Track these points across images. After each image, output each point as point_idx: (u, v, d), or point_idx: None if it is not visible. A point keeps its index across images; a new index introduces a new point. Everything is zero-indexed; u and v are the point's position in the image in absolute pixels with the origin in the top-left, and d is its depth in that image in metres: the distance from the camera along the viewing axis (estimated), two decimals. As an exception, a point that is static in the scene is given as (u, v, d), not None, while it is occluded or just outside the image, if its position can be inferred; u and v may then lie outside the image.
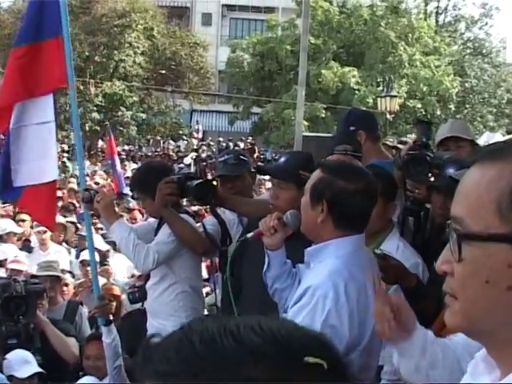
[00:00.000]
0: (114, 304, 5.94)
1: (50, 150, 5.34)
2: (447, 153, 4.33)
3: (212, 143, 34.26)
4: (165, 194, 4.38)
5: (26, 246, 8.77)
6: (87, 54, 32.64)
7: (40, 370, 4.61)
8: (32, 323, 4.87)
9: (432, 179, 3.95)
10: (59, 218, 9.38)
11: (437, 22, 41.80)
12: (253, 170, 5.10)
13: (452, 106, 35.84)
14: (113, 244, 8.06)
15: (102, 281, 6.29)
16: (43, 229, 8.40)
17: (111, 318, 4.89)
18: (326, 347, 0.78)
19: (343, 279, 2.82)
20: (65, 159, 25.58)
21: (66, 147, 28.61)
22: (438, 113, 34.31)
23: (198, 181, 4.33)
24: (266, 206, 4.10)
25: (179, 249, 4.58)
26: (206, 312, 5.49)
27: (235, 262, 3.99)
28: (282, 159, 3.88)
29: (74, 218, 10.26)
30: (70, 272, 7.07)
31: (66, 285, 6.43)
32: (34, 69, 5.25)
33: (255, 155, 25.83)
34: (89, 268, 6.30)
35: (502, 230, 1.14)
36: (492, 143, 1.41)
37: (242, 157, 4.96)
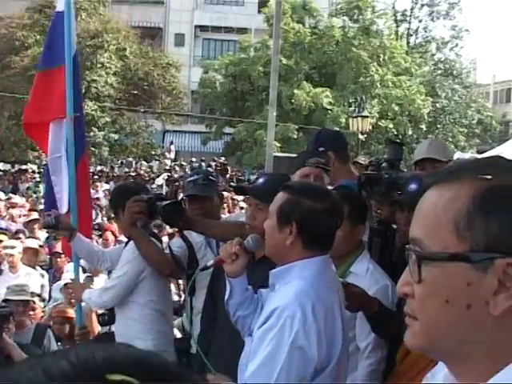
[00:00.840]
0: (68, 326, 6.01)
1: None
2: (413, 173, 4.37)
3: (184, 163, 34.21)
4: (133, 212, 4.37)
5: None
6: (59, 74, 32.48)
7: None
8: None
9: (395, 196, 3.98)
10: (30, 242, 9.33)
11: (408, 43, 42.27)
12: (226, 189, 5.13)
13: (423, 126, 36.11)
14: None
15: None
16: (12, 251, 8.38)
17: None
18: (144, 365, 0.75)
19: (310, 299, 2.79)
20: (37, 179, 25.46)
21: (35, 168, 28.48)
22: (410, 133, 34.58)
23: (167, 202, 4.28)
24: (235, 227, 4.12)
25: (140, 273, 4.57)
26: (177, 334, 5.44)
27: (213, 282, 4.03)
28: (261, 180, 3.82)
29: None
30: (38, 295, 6.95)
31: (34, 309, 6.32)
32: (45, 95, 5.45)
33: (227, 175, 25.87)
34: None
35: (460, 249, 1.17)
36: (449, 165, 1.45)
37: (210, 177, 4.95)
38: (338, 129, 31.57)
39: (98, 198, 17.79)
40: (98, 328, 6.17)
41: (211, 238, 4.62)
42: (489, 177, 1.19)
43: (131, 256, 4.56)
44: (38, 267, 9.16)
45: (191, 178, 4.97)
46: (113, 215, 4.80)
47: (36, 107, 5.58)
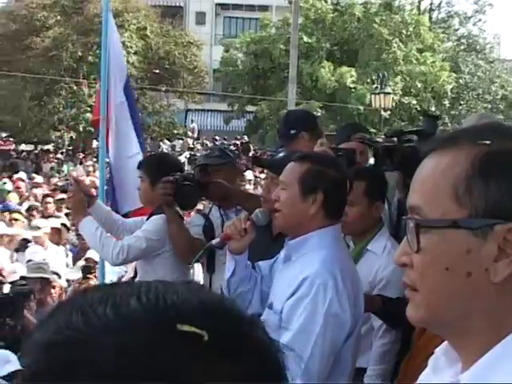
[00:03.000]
0: None
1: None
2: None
3: (207, 142, 34.19)
4: (164, 193, 4.34)
5: (23, 246, 8.58)
6: (80, 54, 32.49)
7: (20, 367, 4.50)
8: (19, 325, 4.80)
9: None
10: (53, 222, 9.44)
11: (430, 18, 41.81)
12: (249, 167, 5.11)
13: (447, 102, 35.91)
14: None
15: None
16: (37, 233, 8.53)
17: None
18: (216, 318, 0.72)
19: (337, 267, 2.87)
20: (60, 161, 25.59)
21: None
22: (433, 109, 34.32)
23: (186, 183, 4.26)
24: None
25: (157, 249, 4.49)
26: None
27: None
28: (281, 154, 3.82)
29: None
30: (56, 274, 6.96)
31: (54, 287, 6.34)
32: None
33: (250, 153, 25.79)
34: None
35: (460, 215, 1.15)
36: (447, 132, 1.46)
37: (224, 150, 4.95)
38: (361, 107, 31.52)
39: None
40: None
41: (246, 210, 4.50)
42: (487, 142, 1.17)
43: (154, 227, 4.50)
44: (61, 246, 9.20)
45: (205, 152, 5.03)
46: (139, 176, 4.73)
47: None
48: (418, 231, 1.18)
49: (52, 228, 9.11)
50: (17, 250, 8.41)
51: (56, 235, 9.12)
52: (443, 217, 1.16)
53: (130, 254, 4.38)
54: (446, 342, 1.27)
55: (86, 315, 0.70)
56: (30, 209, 11.24)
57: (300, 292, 2.80)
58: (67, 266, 8.60)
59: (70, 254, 9.21)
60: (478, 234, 1.13)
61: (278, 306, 2.89)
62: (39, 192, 14.69)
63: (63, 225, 9.67)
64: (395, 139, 4.31)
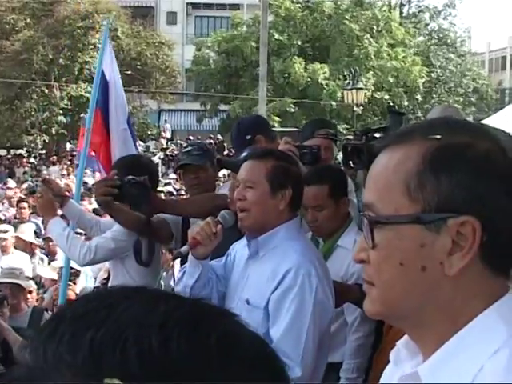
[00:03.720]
0: None
1: None
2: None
3: (181, 142, 34.08)
4: (98, 193, 4.22)
5: None
6: (51, 57, 32.31)
7: None
8: None
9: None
10: (24, 233, 9.28)
11: (401, 13, 42.04)
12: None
13: (419, 97, 36.09)
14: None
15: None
16: (4, 236, 8.44)
17: None
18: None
19: (314, 255, 3.02)
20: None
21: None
22: (406, 103, 34.53)
23: (132, 183, 4.08)
24: (208, 201, 4.12)
25: (126, 250, 4.43)
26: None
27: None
28: (244, 154, 3.73)
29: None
30: (32, 279, 6.90)
31: (30, 292, 6.19)
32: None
33: (225, 152, 25.77)
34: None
35: (412, 210, 1.15)
36: (400, 129, 1.46)
37: (205, 148, 4.85)
38: (333, 103, 31.61)
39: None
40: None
41: (186, 217, 4.49)
42: (438, 136, 1.17)
43: (123, 228, 4.40)
44: (37, 251, 9.15)
45: (185, 149, 4.88)
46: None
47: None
48: (372, 228, 1.18)
49: (21, 239, 8.96)
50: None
51: (22, 242, 8.97)
52: (396, 213, 1.16)
53: (97, 254, 4.31)
54: (406, 335, 1.27)
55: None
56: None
57: (285, 284, 2.83)
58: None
59: (46, 259, 9.06)
60: (431, 229, 1.14)
61: (259, 300, 2.89)
62: (11, 193, 14.64)
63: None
64: (363, 137, 4.22)
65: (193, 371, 0.64)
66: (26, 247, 8.91)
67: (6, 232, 8.65)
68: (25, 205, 11.68)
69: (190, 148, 4.81)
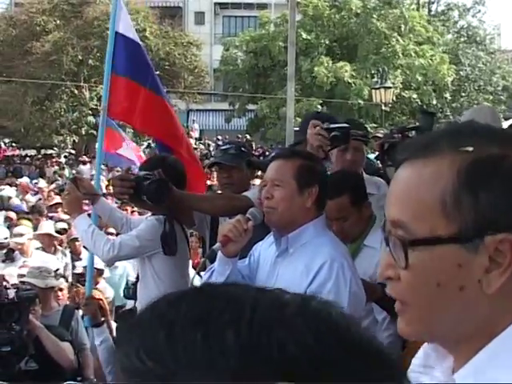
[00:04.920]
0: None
1: None
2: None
3: (209, 142, 34.14)
4: (115, 191, 4.34)
5: (9, 255, 8.28)
6: (80, 57, 32.55)
7: None
8: (25, 330, 4.73)
9: None
10: (46, 227, 9.30)
11: (429, 11, 41.72)
12: None
13: (448, 95, 35.66)
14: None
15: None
16: (20, 240, 8.36)
17: (101, 320, 4.87)
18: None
19: (344, 249, 3.14)
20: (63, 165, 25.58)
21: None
22: (434, 102, 34.15)
23: (150, 180, 4.11)
24: (224, 201, 4.21)
25: (151, 249, 4.41)
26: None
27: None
28: (272, 155, 3.79)
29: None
30: (63, 276, 6.95)
31: (61, 289, 6.23)
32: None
33: (252, 152, 25.73)
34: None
35: (449, 230, 1.11)
36: (420, 137, 1.35)
37: (243, 149, 4.82)
38: (361, 101, 31.40)
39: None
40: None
41: (200, 212, 4.53)
42: (470, 149, 1.12)
43: (148, 227, 4.43)
44: (59, 247, 9.11)
45: (223, 147, 4.90)
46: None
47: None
48: (406, 249, 1.13)
49: (43, 234, 8.98)
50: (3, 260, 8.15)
51: (49, 240, 8.97)
52: (432, 233, 1.12)
53: (121, 251, 4.30)
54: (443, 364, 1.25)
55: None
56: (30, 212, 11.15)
57: (320, 277, 2.92)
58: (66, 265, 8.55)
59: (69, 254, 9.12)
60: (468, 247, 1.10)
61: None
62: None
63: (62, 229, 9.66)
64: (399, 135, 4.36)
65: (346, 369, 0.63)
66: (47, 244, 8.89)
67: (21, 235, 8.54)
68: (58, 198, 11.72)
69: (227, 146, 4.83)
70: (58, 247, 9.13)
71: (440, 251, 1.12)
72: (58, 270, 6.96)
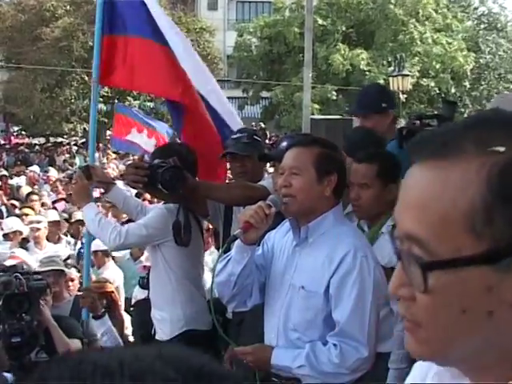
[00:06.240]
0: (104, 301, 5.88)
1: None
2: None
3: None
4: (129, 180, 4.40)
5: (24, 244, 8.41)
6: (91, 43, 32.10)
7: None
8: (36, 320, 4.58)
9: None
10: (51, 215, 9.61)
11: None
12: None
13: (467, 83, 35.57)
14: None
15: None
16: (38, 226, 8.52)
17: (102, 311, 4.86)
18: None
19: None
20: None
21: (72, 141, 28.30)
22: (453, 91, 34.05)
23: (165, 168, 4.12)
24: (240, 190, 4.25)
25: (160, 237, 4.41)
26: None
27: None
28: (284, 143, 3.93)
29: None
30: (74, 267, 6.75)
31: (72, 280, 6.16)
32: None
33: (266, 140, 25.43)
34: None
35: (478, 248, 0.93)
36: (437, 132, 1.03)
37: (255, 137, 4.80)
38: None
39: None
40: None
41: (216, 201, 4.57)
42: (502, 149, 0.93)
43: (156, 216, 4.45)
44: (63, 236, 9.35)
45: (235, 136, 4.80)
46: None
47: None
48: (426, 273, 0.95)
49: (50, 222, 9.06)
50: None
51: (56, 228, 9.13)
52: (458, 253, 0.93)
53: (127, 239, 4.33)
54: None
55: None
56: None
57: (344, 267, 2.95)
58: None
59: (73, 242, 9.31)
60: (500, 268, 0.93)
61: (316, 286, 2.98)
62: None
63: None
64: (418, 122, 4.40)
65: None
66: (53, 233, 8.97)
67: (39, 222, 8.67)
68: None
69: (239, 135, 4.77)
70: (62, 236, 9.29)
71: (466, 273, 0.95)
72: (68, 258, 7.39)
